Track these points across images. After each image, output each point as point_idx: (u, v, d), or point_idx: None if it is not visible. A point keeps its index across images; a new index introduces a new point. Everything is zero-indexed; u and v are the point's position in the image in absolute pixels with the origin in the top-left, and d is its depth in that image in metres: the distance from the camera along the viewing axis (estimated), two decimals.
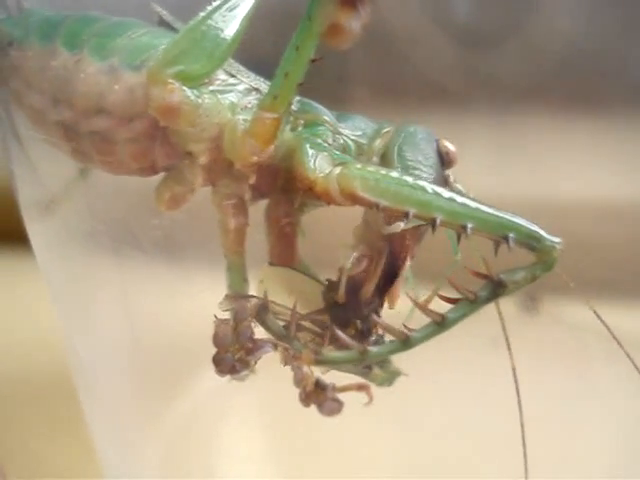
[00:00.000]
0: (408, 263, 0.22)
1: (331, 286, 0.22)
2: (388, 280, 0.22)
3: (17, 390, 0.39)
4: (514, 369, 0.22)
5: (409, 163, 0.22)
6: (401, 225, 0.20)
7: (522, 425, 0.22)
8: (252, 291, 0.23)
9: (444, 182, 0.22)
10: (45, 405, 0.37)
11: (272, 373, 0.22)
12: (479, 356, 0.32)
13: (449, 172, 0.23)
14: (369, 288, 0.22)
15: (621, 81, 0.40)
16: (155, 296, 0.29)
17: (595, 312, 0.23)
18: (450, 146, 0.23)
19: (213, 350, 0.21)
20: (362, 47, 0.18)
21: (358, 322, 0.22)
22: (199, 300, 0.27)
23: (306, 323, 0.22)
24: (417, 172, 0.22)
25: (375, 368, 0.23)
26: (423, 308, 0.20)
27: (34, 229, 0.27)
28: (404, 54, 0.39)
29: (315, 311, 0.22)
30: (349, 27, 0.16)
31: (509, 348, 0.22)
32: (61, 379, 0.30)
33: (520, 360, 0.22)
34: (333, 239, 0.23)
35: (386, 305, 0.22)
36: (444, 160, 0.23)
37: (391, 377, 0.24)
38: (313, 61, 0.20)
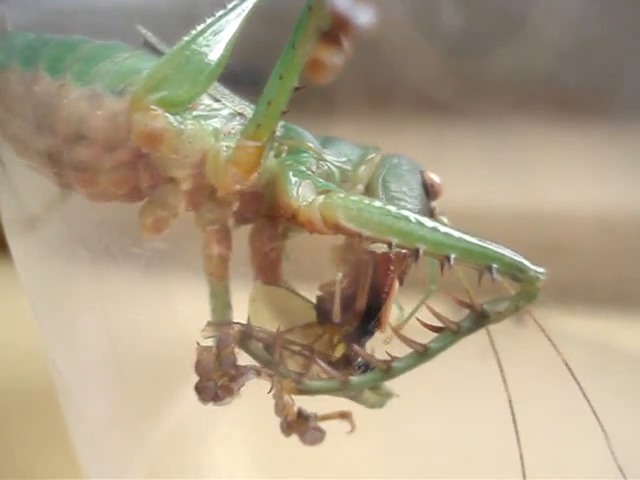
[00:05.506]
0: (394, 290, 0.21)
1: (322, 303, 0.22)
2: (375, 306, 0.22)
3: (2, 402, 0.39)
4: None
5: (394, 194, 0.22)
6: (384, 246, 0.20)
7: (518, 437, 0.22)
8: (237, 316, 0.23)
9: (429, 214, 0.22)
10: (31, 417, 0.37)
11: (258, 391, 0.22)
12: (468, 367, 0.32)
13: (435, 204, 0.23)
14: (362, 302, 0.21)
15: (609, 91, 0.40)
16: (136, 312, 0.28)
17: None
18: (435, 178, 0.22)
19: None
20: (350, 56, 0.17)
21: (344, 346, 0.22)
22: (181, 315, 0.27)
23: (292, 347, 0.22)
24: (402, 203, 0.22)
25: (366, 391, 0.23)
26: (405, 339, 0.20)
27: (16, 244, 0.27)
28: (392, 64, 0.39)
29: (301, 327, 0.22)
30: (330, 63, 0.16)
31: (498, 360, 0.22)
32: (47, 391, 0.30)
33: (508, 371, 0.22)
34: (317, 257, 0.23)
35: None
36: (429, 192, 0.22)
37: (382, 399, 0.24)
38: (297, 89, 0.20)
